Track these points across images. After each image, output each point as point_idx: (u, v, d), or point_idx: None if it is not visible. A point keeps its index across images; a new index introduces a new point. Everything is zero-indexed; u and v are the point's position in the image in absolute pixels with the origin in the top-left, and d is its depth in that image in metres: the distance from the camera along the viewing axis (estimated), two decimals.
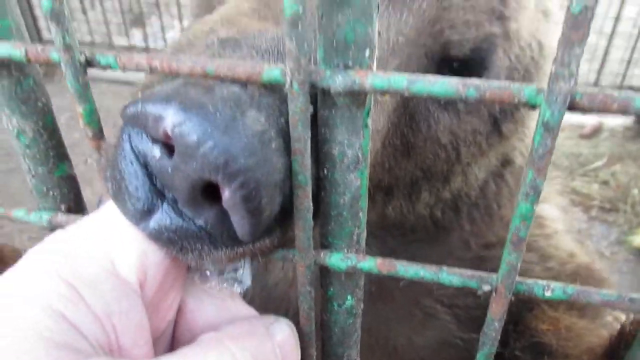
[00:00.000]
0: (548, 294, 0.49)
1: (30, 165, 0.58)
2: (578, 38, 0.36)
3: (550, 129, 0.40)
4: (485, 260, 1.13)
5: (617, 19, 3.52)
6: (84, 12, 4.36)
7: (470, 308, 1.08)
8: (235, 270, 0.58)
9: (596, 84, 3.69)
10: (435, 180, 0.94)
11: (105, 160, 0.50)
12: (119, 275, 0.49)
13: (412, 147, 0.85)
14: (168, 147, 0.46)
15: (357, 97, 0.45)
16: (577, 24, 0.35)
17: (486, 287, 0.50)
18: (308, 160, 0.46)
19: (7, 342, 0.41)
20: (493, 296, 0.50)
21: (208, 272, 0.57)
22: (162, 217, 0.48)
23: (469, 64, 0.82)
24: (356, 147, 0.48)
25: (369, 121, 0.47)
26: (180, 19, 4.03)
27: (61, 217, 0.60)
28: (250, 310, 0.59)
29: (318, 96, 0.47)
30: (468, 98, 0.41)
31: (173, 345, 0.58)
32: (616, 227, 3.34)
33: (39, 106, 0.56)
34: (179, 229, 0.48)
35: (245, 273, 0.58)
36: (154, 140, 0.46)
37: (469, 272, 0.51)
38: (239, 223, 0.45)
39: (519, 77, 0.89)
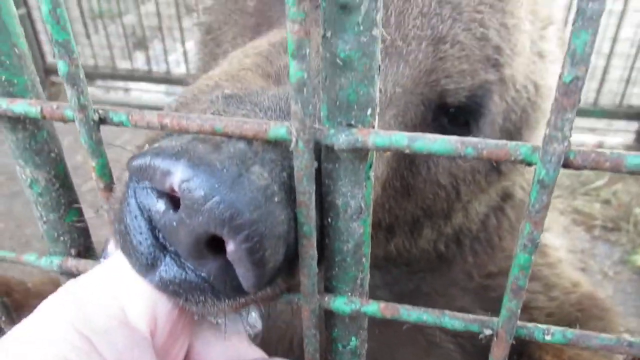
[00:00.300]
0: (548, 337, 0.50)
1: (42, 212, 0.60)
2: (570, 104, 0.38)
3: (545, 186, 0.41)
4: (489, 289, 1.14)
5: (615, 39, 3.56)
6: (88, 36, 4.43)
7: (474, 338, 1.09)
8: (245, 314, 0.59)
9: (595, 103, 3.72)
10: (437, 218, 0.97)
11: (113, 213, 0.52)
12: (130, 325, 0.50)
13: (412, 188, 0.87)
14: (173, 201, 0.47)
15: (359, 152, 0.47)
16: (569, 92, 0.37)
17: (487, 331, 0.51)
18: (313, 212, 0.48)
19: None
20: (494, 340, 0.51)
21: (216, 320, 0.58)
22: (166, 270, 0.50)
23: (465, 110, 0.85)
24: (359, 198, 0.50)
25: (372, 174, 0.49)
26: (183, 42, 4.08)
27: (71, 262, 0.62)
28: (257, 352, 0.60)
29: (322, 150, 0.48)
30: (466, 156, 0.43)
31: None
32: (619, 246, 3.34)
33: (52, 157, 0.58)
34: (182, 281, 0.49)
35: (254, 317, 0.59)
36: (159, 194, 0.48)
37: (470, 316, 0.52)
38: (244, 275, 0.47)
39: (516, 118, 0.91)
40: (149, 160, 0.46)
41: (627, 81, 3.69)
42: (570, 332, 0.50)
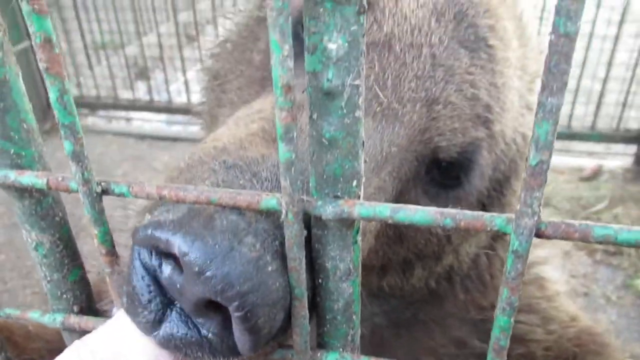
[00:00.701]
0: None
1: (47, 272, 0.62)
2: (537, 184, 0.41)
3: (519, 256, 0.44)
4: (486, 322, 1.16)
5: (610, 64, 3.61)
6: (91, 67, 4.51)
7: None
8: None
9: (593, 127, 3.75)
10: (428, 259, 1.00)
11: (120, 276, 0.55)
12: None
13: (404, 236, 0.91)
14: (177, 263, 0.51)
15: (346, 220, 0.50)
16: (535, 174, 0.40)
17: None
18: (303, 276, 0.50)
19: None
20: None
21: None
22: (171, 326, 0.53)
23: (456, 164, 0.89)
24: (347, 261, 0.52)
25: (359, 238, 0.52)
26: (184, 72, 4.16)
27: (74, 318, 0.64)
28: None
29: (312, 218, 0.51)
30: (445, 226, 0.46)
31: None
32: (621, 270, 3.33)
33: (56, 220, 0.61)
34: (184, 337, 0.53)
35: None
36: (165, 256, 0.52)
37: None
38: (240, 339, 0.50)
39: (505, 168, 0.95)
40: (150, 232, 0.50)
41: (624, 104, 3.73)
42: None
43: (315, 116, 0.46)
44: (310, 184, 0.50)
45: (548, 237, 0.44)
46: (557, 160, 3.85)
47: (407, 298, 1.11)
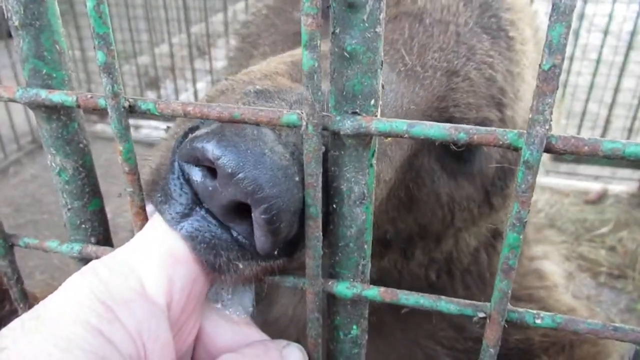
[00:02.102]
0: (538, 321, 0.53)
1: (68, 199, 0.64)
2: (549, 90, 0.43)
3: (530, 167, 0.46)
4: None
5: (617, 90, 3.65)
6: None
7: (469, 352, 1.11)
8: (242, 299, 0.64)
9: None
10: (429, 240, 1.03)
11: (157, 174, 0.61)
12: (149, 298, 0.54)
13: (415, 201, 0.94)
14: (210, 172, 0.55)
15: (363, 139, 0.52)
16: (548, 79, 0.42)
17: (481, 314, 0.54)
18: (319, 194, 0.52)
19: (54, 354, 0.46)
20: (487, 323, 0.54)
21: (221, 301, 0.63)
22: (198, 220, 0.56)
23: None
24: (362, 184, 0.54)
25: (374, 161, 0.54)
26: (194, 82, 4.22)
27: (91, 248, 0.66)
28: (263, 337, 0.63)
29: (329, 138, 0.53)
30: (459, 140, 0.48)
31: None
32: (625, 294, 3.31)
33: (80, 147, 0.63)
34: (210, 233, 0.56)
35: (248, 300, 0.64)
36: (200, 166, 0.56)
37: (465, 301, 0.55)
38: (260, 239, 0.53)
39: (512, 158, 1.00)
40: (189, 145, 0.55)
41: (630, 130, 3.76)
42: (559, 317, 0.53)
43: (337, 30, 0.48)
44: (330, 104, 0.52)
45: (558, 152, 0.46)
46: (562, 182, 3.87)
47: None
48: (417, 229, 1.00)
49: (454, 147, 0.91)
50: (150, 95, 4.69)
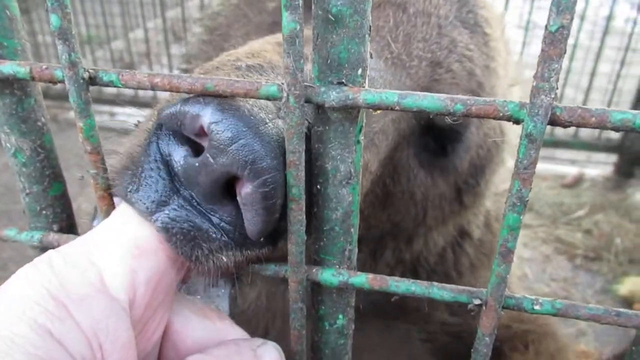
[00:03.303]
0: (537, 307, 0.50)
1: (25, 183, 0.58)
2: (556, 54, 0.39)
3: (533, 140, 0.42)
4: (451, 324, 1.17)
5: (593, 74, 3.68)
6: None
7: (439, 334, 1.11)
8: (219, 290, 0.59)
9: (575, 135, 3.81)
10: (400, 240, 1.04)
11: (129, 159, 0.54)
12: (108, 293, 0.48)
13: (390, 197, 0.93)
14: (195, 149, 0.50)
15: (350, 112, 0.47)
16: (555, 41, 0.38)
17: (476, 301, 0.50)
18: (302, 173, 0.48)
19: None
20: (483, 310, 0.50)
21: (196, 292, 0.58)
22: (176, 212, 0.51)
23: (448, 133, 0.95)
24: (348, 162, 0.50)
25: (361, 138, 0.49)
26: (170, 69, 4.11)
27: (53, 236, 0.60)
28: (238, 332, 0.59)
29: (312, 113, 0.49)
30: (455, 112, 0.43)
31: None
32: (601, 275, 3.35)
33: (38, 125, 0.57)
34: (189, 222, 0.50)
35: (223, 299, 0.60)
36: (182, 142, 0.50)
37: (459, 287, 0.52)
38: (252, 220, 0.48)
39: (483, 154, 1.02)
40: (180, 107, 0.49)
41: None
42: (559, 303, 0.50)
43: None
44: (313, 74, 0.47)
45: (563, 124, 0.42)
46: (540, 167, 3.89)
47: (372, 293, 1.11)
48: (389, 227, 1.00)
49: (433, 142, 0.93)
50: None
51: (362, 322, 1.09)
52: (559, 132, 3.80)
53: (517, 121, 0.43)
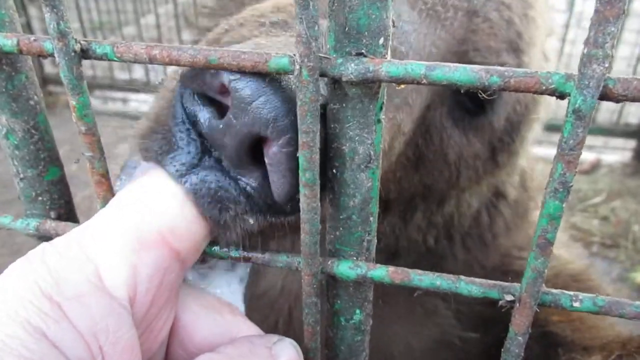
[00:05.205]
0: (576, 305, 0.45)
1: (19, 167, 0.54)
2: (613, 15, 0.33)
3: (582, 117, 0.37)
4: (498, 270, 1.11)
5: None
6: None
7: (472, 304, 1.06)
8: (231, 278, 0.55)
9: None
10: (431, 202, 0.97)
11: (156, 121, 0.53)
12: (107, 290, 0.44)
13: (422, 159, 0.88)
14: (219, 110, 0.48)
15: (369, 88, 0.42)
16: (612, 0, 0.33)
17: (509, 297, 0.46)
18: (317, 155, 0.43)
19: None
20: (516, 307, 0.46)
21: (206, 282, 0.54)
22: (206, 170, 0.49)
23: None
24: (368, 144, 0.45)
25: (382, 116, 0.44)
26: None
27: (50, 224, 0.56)
28: (251, 328, 0.54)
29: (328, 88, 0.44)
30: (491, 85, 0.38)
31: None
32: (618, 263, 3.29)
33: (31, 104, 0.53)
34: (220, 185, 0.49)
35: (236, 294, 0.56)
36: (206, 103, 0.49)
37: (489, 281, 0.47)
38: (278, 183, 0.46)
39: (520, 110, 0.95)
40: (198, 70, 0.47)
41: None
42: (601, 300, 0.45)
43: None
44: (329, 44, 0.42)
45: (616, 98, 0.37)
46: (554, 152, 3.82)
47: (403, 257, 1.05)
48: (421, 189, 0.94)
49: (466, 100, 0.87)
50: (138, 67, 4.52)
51: (387, 294, 1.05)
52: None
53: (561, 96, 0.38)
